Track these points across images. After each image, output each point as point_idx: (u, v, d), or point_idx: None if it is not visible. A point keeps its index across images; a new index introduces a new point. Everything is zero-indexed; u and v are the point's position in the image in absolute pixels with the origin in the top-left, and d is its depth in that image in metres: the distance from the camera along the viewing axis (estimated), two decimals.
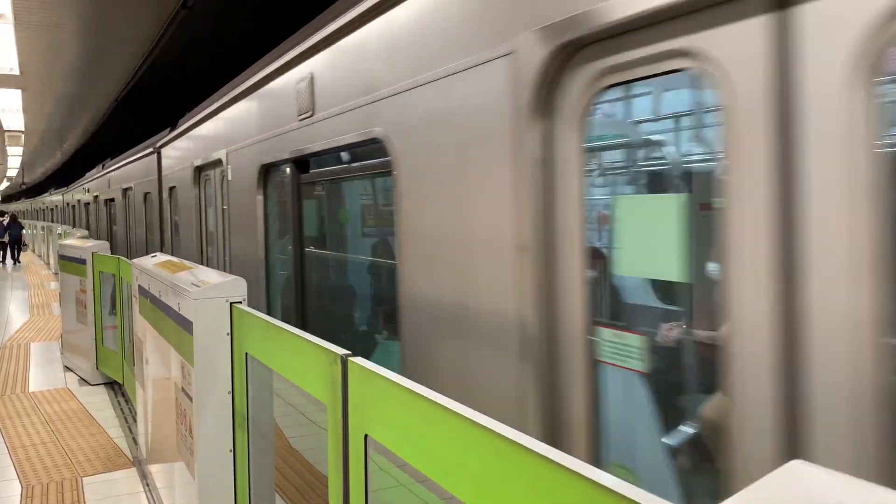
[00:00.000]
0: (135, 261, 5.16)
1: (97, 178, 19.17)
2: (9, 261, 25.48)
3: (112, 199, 16.59)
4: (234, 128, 6.58)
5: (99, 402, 7.05)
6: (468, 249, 2.88)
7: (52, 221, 31.81)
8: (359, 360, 1.95)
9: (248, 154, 6.07)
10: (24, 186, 62.89)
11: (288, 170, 5.29)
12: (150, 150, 11.22)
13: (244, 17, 10.45)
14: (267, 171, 5.77)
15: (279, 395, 3.27)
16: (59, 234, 15.70)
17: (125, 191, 14.29)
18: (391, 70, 3.52)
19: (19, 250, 26.11)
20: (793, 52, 1.74)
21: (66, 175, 41.24)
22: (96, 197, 19.43)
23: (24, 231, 27.62)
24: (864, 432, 1.60)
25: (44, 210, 42.28)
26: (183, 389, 3.45)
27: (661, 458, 2.58)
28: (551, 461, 1.21)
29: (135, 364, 5.44)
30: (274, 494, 3.19)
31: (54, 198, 36.44)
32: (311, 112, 4.59)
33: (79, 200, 24.14)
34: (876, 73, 1.59)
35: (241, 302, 3.17)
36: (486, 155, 2.76)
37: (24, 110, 20.21)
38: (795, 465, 0.90)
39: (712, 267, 2.07)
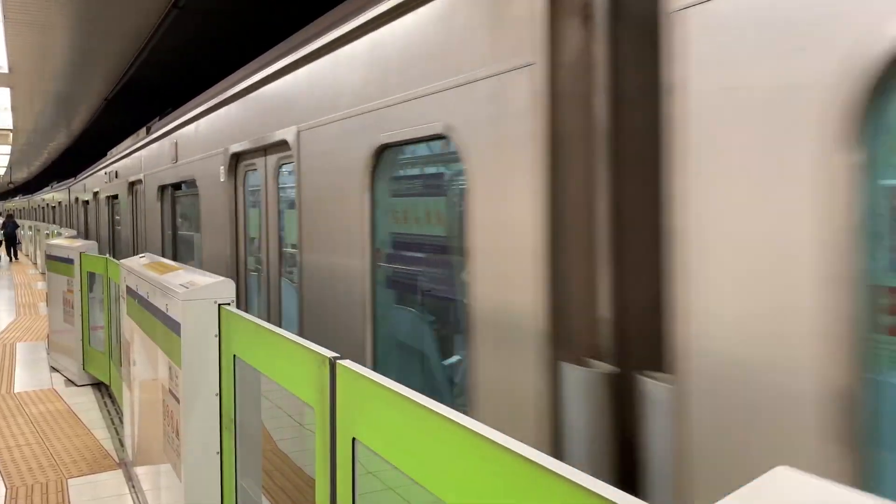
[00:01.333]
0: (123, 261, 5.13)
1: (137, 149, 10.50)
2: (4, 258, 26.09)
3: (179, 186, 8.74)
4: None
5: (85, 403, 7.01)
6: None
7: (54, 224, 24.41)
8: (347, 362, 1.95)
9: None
10: (11, 186, 62.37)
11: None
12: None
13: (236, 17, 10.42)
14: None
15: (266, 398, 3.26)
16: (48, 234, 15.56)
17: (237, 159, 6.12)
18: None
19: (15, 248, 27.02)
20: None
21: (55, 175, 40.95)
22: (132, 185, 11.18)
23: (19, 230, 28.34)
24: None
25: (44, 209, 33.20)
26: (170, 391, 3.43)
27: None
28: (536, 464, 1.21)
29: (122, 365, 5.41)
30: (261, 497, 3.18)
31: (57, 195, 28.01)
32: None
33: (95, 193, 16.11)
34: None
35: (229, 304, 3.16)
36: None
37: (13, 108, 20.09)
38: (781, 471, 0.90)
39: None
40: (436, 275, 3.50)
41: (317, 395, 2.08)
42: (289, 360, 2.35)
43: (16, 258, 26.61)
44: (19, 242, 28.50)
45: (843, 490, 0.84)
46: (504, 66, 2.69)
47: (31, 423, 6.33)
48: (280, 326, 2.94)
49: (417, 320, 3.69)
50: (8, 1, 9.97)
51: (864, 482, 1.56)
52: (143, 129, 10.83)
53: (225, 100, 6.37)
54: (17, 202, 54.09)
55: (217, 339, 3.14)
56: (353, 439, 1.88)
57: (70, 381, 7.83)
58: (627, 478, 2.22)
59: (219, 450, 3.16)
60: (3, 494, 4.75)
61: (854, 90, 1.54)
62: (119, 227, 12.73)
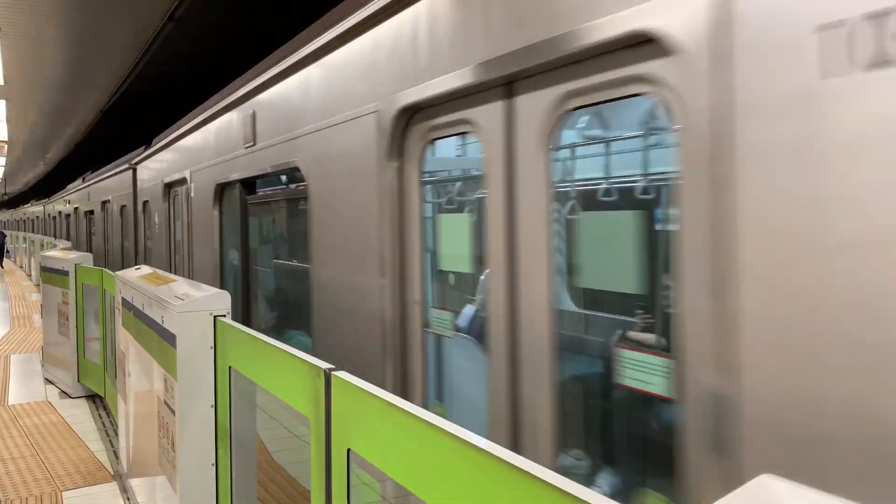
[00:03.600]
0: (119, 273, 5.13)
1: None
2: None
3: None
4: None
5: (80, 415, 6.98)
6: None
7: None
8: (342, 374, 1.96)
9: None
10: (6, 197, 62.14)
11: None
12: None
13: (231, 30, 10.46)
14: None
15: (261, 409, 3.27)
16: (42, 246, 15.48)
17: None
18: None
19: (1, 257, 27.84)
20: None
21: (49, 186, 40.86)
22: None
23: (6, 240, 29.51)
24: None
25: (69, 217, 21.77)
26: (166, 403, 3.44)
27: None
28: (530, 475, 1.23)
29: (117, 377, 5.40)
30: None
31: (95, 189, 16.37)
32: None
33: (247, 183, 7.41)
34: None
35: (225, 315, 3.17)
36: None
37: (8, 121, 20.07)
38: (765, 479, 0.92)
39: None
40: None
41: (312, 406, 2.09)
42: (284, 371, 2.37)
43: (1, 266, 27.58)
44: (8, 252, 30.40)
45: (829, 499, 0.86)
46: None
47: (26, 435, 6.31)
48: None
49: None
50: (3, 14, 9.98)
51: None
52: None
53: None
54: (33, 208, 39.12)
55: (213, 350, 3.15)
56: (348, 450, 1.89)
57: (64, 393, 7.80)
58: None
59: (214, 461, 3.16)
60: None
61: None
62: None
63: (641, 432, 2.73)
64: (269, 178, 5.84)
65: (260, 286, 6.57)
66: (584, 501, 1.11)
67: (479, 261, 3.19)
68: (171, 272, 6.64)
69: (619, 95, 2.36)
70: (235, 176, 6.11)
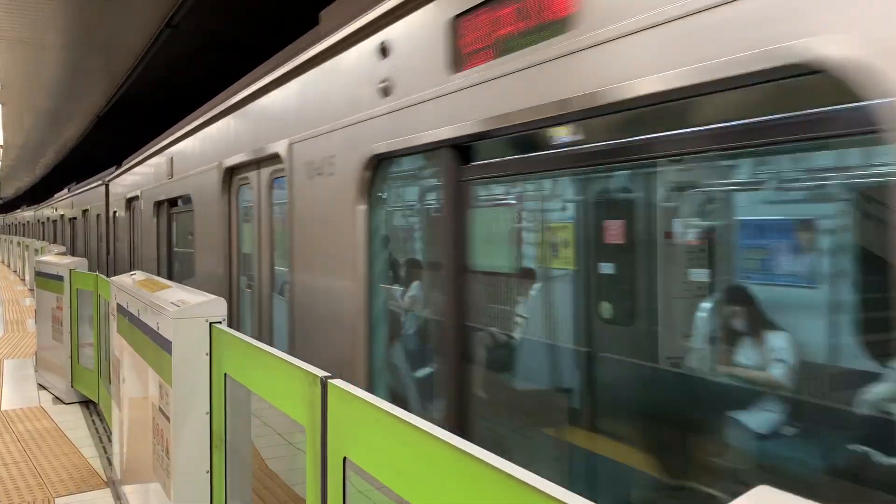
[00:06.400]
0: (113, 279, 5.12)
1: None
2: None
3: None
4: None
5: (73, 421, 6.95)
6: None
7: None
8: (338, 381, 1.96)
9: None
10: (0, 201, 61.98)
11: None
12: None
13: (229, 37, 10.48)
14: None
15: (256, 416, 3.26)
16: (36, 251, 15.43)
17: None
18: None
19: None
20: None
21: (46, 190, 40.80)
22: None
23: None
24: None
25: (173, 207, 9.72)
26: (160, 409, 3.43)
27: None
28: (528, 485, 1.23)
29: (111, 383, 5.38)
30: None
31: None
32: None
33: None
34: None
35: (220, 322, 3.17)
36: None
37: (3, 125, 20.03)
38: (762, 490, 0.92)
39: None
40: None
41: (308, 414, 2.09)
42: (280, 379, 2.37)
43: None
44: None
45: None
46: None
47: (19, 441, 6.27)
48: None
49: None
50: (0, 18, 9.98)
51: None
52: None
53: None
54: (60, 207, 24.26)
55: (208, 357, 3.15)
56: (344, 458, 1.89)
57: (58, 399, 7.76)
58: None
59: (209, 468, 3.15)
60: None
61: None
62: None
63: None
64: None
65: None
66: None
67: None
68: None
69: None
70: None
